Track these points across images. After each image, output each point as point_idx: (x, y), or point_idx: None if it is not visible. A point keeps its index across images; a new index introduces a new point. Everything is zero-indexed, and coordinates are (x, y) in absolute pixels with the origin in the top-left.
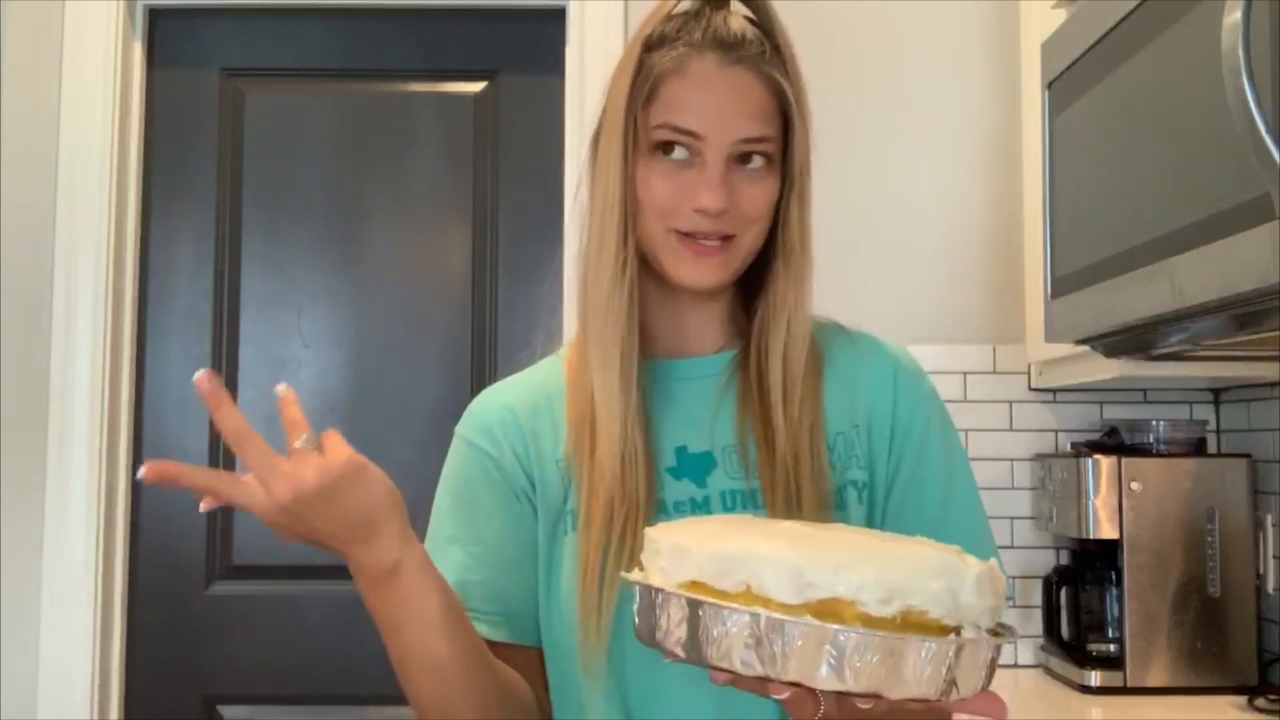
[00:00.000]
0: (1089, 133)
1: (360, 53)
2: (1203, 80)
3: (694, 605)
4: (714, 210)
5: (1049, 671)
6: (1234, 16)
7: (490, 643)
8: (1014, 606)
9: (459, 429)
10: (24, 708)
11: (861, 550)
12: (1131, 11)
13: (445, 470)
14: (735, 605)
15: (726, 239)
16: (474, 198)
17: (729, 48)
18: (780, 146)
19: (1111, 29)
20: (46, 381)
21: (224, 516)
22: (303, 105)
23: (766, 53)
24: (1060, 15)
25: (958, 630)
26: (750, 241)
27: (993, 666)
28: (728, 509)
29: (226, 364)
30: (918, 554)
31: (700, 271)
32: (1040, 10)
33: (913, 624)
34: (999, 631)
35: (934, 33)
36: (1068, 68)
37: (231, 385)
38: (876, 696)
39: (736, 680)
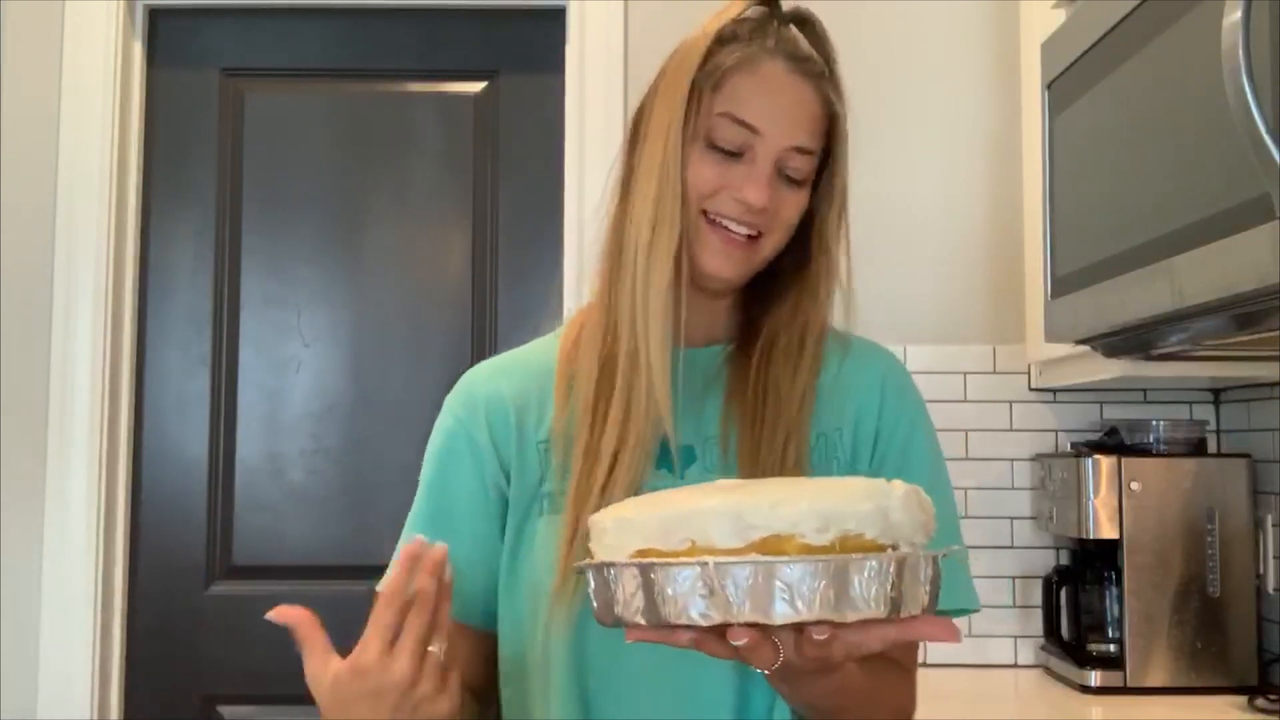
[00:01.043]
0: (1089, 133)
1: (360, 53)
2: (1203, 80)
3: (645, 570)
4: (758, 206)
5: (1049, 671)
6: (1234, 16)
7: (476, 631)
8: (1014, 607)
9: (449, 399)
10: (24, 708)
11: (794, 488)
12: (1131, 11)
13: (431, 439)
14: (683, 560)
15: (754, 237)
16: (474, 198)
17: (799, 60)
18: (817, 165)
19: (1111, 29)
20: (46, 382)
21: (224, 516)
22: (303, 105)
23: (826, 73)
24: (1060, 15)
25: (894, 547)
26: (772, 246)
27: (935, 584)
28: None
29: (226, 364)
30: (846, 483)
31: (726, 263)
32: (1040, 10)
33: (851, 547)
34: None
35: (934, 33)
36: (1068, 68)
37: (231, 385)
38: (832, 624)
39: (699, 641)
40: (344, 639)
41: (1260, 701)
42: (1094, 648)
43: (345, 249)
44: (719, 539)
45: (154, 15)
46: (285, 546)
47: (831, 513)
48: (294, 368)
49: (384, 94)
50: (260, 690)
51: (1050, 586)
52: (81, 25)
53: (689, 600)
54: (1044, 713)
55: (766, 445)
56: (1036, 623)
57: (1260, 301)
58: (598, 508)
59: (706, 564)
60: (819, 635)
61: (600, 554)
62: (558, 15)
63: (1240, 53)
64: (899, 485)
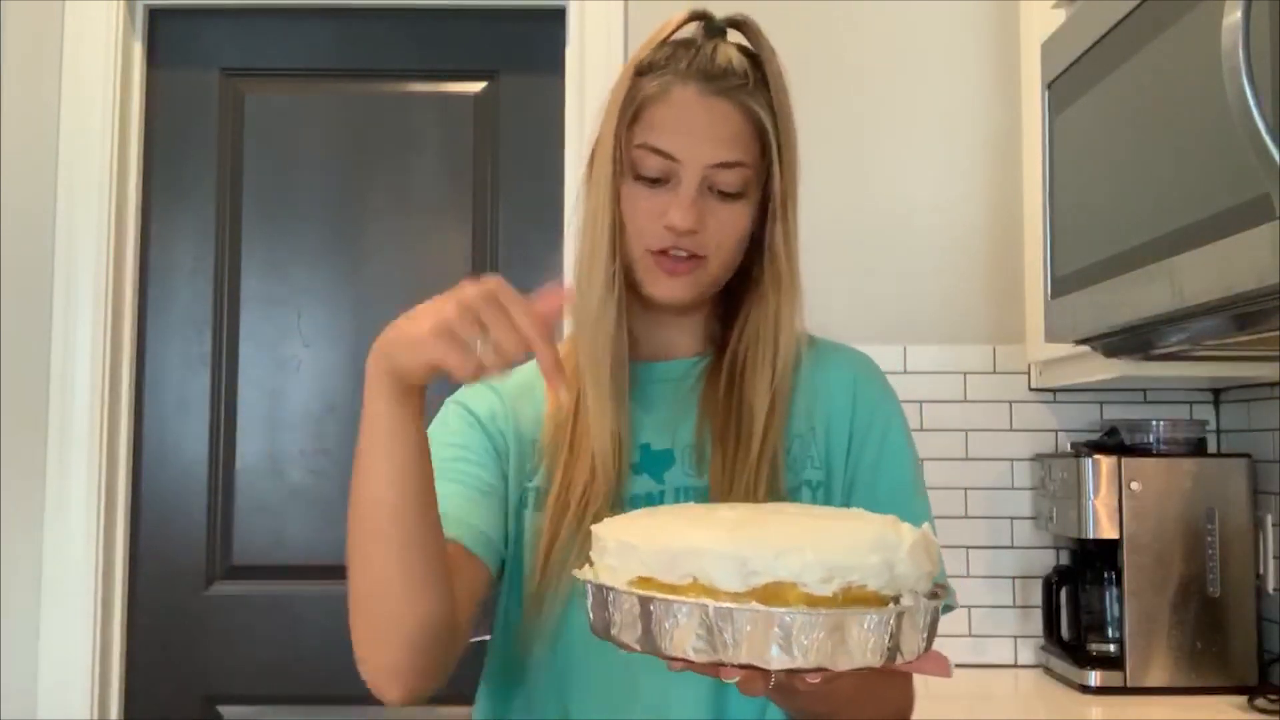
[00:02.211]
0: (1089, 133)
1: (360, 53)
2: (1203, 80)
3: (644, 601)
4: (682, 228)
5: (1049, 671)
6: (1234, 16)
7: (460, 547)
8: (1014, 607)
9: (449, 399)
10: (24, 708)
11: (800, 533)
12: (1131, 11)
13: (430, 429)
14: (684, 598)
15: (695, 258)
16: (474, 198)
17: (711, 78)
18: (760, 175)
19: (1111, 29)
20: (46, 382)
21: (224, 516)
22: (303, 105)
23: (750, 84)
24: (1060, 15)
25: (896, 599)
26: (718, 267)
27: (933, 629)
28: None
29: (226, 364)
30: (853, 530)
31: (672, 288)
32: (1040, 10)
33: (853, 598)
34: (936, 594)
35: (934, 33)
36: (1068, 68)
37: (231, 385)
38: (826, 670)
39: (690, 665)
40: (343, 639)
41: (1260, 701)
42: (1094, 648)
43: (345, 249)
44: (721, 581)
45: (154, 15)
46: (285, 546)
47: (836, 565)
48: (294, 368)
49: (384, 94)
50: (260, 690)
51: (1050, 586)
52: (81, 25)
53: (686, 636)
54: (1044, 713)
55: (739, 455)
56: (1036, 623)
57: (1260, 301)
58: (577, 520)
59: (707, 606)
60: (812, 680)
61: (601, 572)
62: (558, 15)
63: (1240, 53)
64: (908, 535)
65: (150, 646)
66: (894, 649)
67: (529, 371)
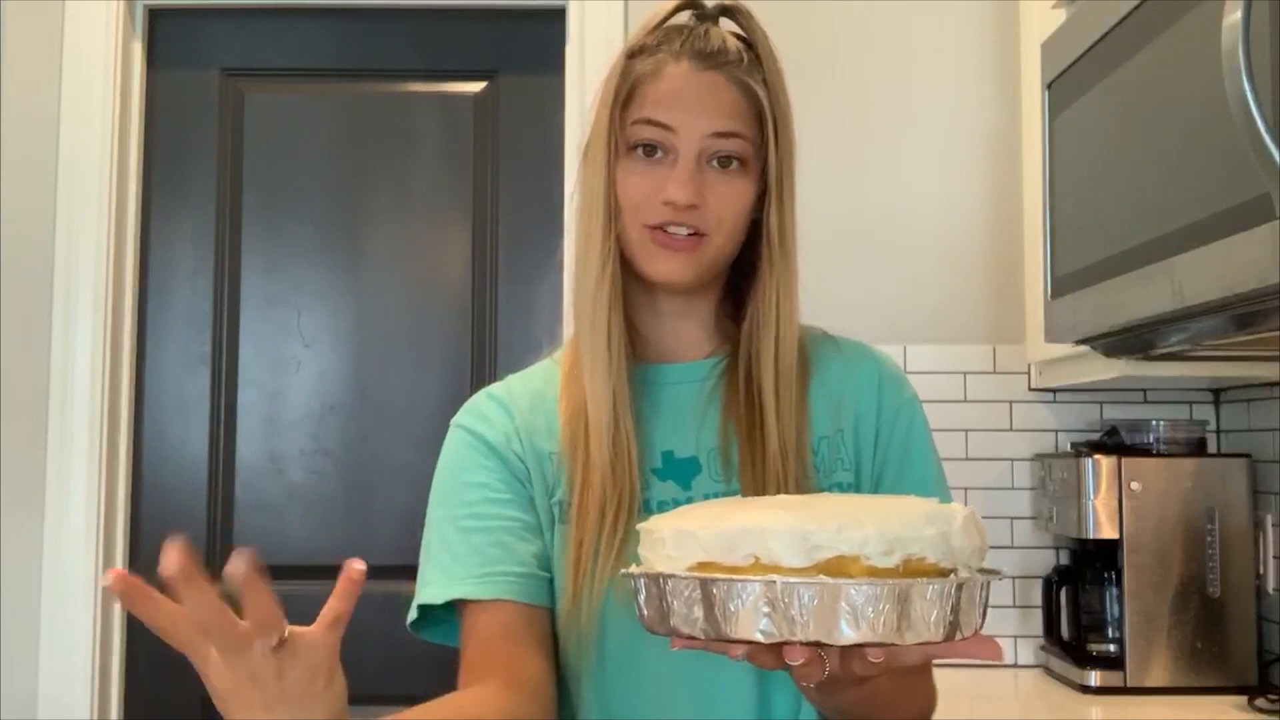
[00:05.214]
0: (1089, 133)
1: (360, 53)
2: (1203, 80)
3: (706, 584)
4: (681, 202)
5: (1049, 671)
6: (1234, 16)
7: (511, 604)
8: (1014, 607)
9: (455, 420)
10: (24, 708)
11: (857, 509)
12: (1131, 11)
13: (440, 461)
14: (748, 577)
15: (696, 236)
16: (474, 198)
17: (705, 57)
18: (758, 151)
19: (1111, 29)
20: (46, 382)
21: (224, 516)
22: (303, 105)
23: (744, 62)
24: (1060, 15)
25: (954, 572)
26: (720, 243)
27: (985, 605)
28: None
29: (226, 364)
30: (908, 505)
31: (671, 266)
32: (1040, 10)
33: (913, 570)
34: (986, 571)
35: (934, 33)
36: (1068, 68)
37: (231, 385)
38: (890, 645)
39: (753, 653)
40: (343, 639)
41: (1260, 701)
42: (1094, 648)
43: (345, 249)
44: (784, 558)
45: (154, 15)
46: (285, 546)
47: (897, 537)
48: (294, 368)
49: (384, 94)
50: None
51: (1050, 586)
52: (81, 25)
53: (751, 617)
54: (1044, 713)
55: (765, 456)
56: (1036, 623)
57: (1260, 301)
58: (599, 524)
59: (774, 582)
60: (875, 658)
61: (656, 564)
62: (558, 15)
63: (1240, 53)
64: (958, 509)
65: (150, 646)
66: (954, 623)
67: (539, 379)
